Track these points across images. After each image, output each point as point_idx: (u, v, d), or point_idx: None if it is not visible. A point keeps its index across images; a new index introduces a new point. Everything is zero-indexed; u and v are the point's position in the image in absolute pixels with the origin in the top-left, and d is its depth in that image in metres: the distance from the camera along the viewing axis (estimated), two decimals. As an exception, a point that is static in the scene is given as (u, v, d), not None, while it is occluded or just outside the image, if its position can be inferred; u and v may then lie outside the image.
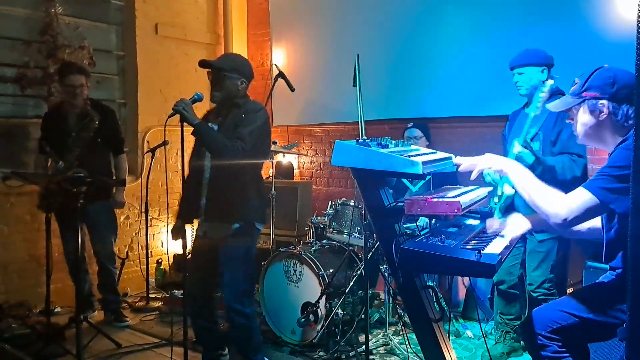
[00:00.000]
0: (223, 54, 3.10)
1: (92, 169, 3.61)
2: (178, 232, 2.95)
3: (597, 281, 2.08)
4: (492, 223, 2.18)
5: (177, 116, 2.64)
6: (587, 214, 1.80)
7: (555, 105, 2.09)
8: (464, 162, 2.07)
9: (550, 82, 2.86)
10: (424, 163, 1.95)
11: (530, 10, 3.93)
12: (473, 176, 2.06)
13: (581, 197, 1.79)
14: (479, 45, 4.19)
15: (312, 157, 5.39)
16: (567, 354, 1.94)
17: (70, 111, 3.84)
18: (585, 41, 3.62)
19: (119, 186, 3.98)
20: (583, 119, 1.95)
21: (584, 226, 1.96)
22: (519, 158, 2.91)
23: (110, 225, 4.06)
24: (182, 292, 3.72)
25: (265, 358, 3.01)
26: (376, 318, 3.79)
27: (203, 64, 2.84)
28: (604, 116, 1.88)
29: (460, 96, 4.30)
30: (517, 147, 2.89)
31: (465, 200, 2.01)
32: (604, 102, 1.87)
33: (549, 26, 3.81)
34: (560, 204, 1.81)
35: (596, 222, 1.99)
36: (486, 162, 2.01)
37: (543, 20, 3.86)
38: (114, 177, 4.03)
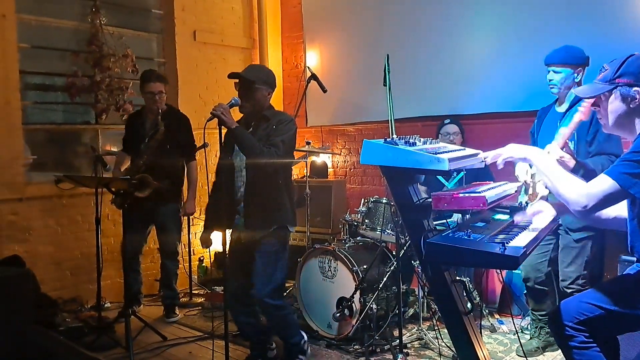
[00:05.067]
0: (249, 65, 3.17)
1: (162, 173, 3.68)
2: (206, 241, 3.15)
3: (623, 273, 2.08)
4: (521, 216, 2.18)
5: (216, 119, 2.78)
6: (608, 200, 1.79)
7: (583, 91, 2.02)
8: (489, 155, 2.07)
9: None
10: (451, 160, 1.96)
11: (563, 5, 3.87)
12: (499, 165, 2.05)
13: (602, 183, 1.78)
14: (511, 40, 4.16)
15: (345, 156, 5.43)
16: (594, 344, 1.95)
17: (148, 116, 3.99)
18: (620, 38, 3.53)
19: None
20: (613, 106, 1.91)
21: (610, 214, 1.93)
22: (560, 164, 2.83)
23: (175, 227, 4.13)
24: (222, 288, 3.87)
25: (304, 337, 3.17)
26: (411, 313, 3.83)
27: (233, 75, 2.92)
28: (636, 103, 1.86)
29: (492, 92, 4.27)
30: (556, 151, 2.72)
31: (491, 195, 2.02)
32: (638, 89, 1.85)
33: (582, 22, 3.74)
34: (581, 191, 1.81)
35: (623, 211, 1.96)
36: (510, 151, 2.02)
37: (576, 16, 3.79)
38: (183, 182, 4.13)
